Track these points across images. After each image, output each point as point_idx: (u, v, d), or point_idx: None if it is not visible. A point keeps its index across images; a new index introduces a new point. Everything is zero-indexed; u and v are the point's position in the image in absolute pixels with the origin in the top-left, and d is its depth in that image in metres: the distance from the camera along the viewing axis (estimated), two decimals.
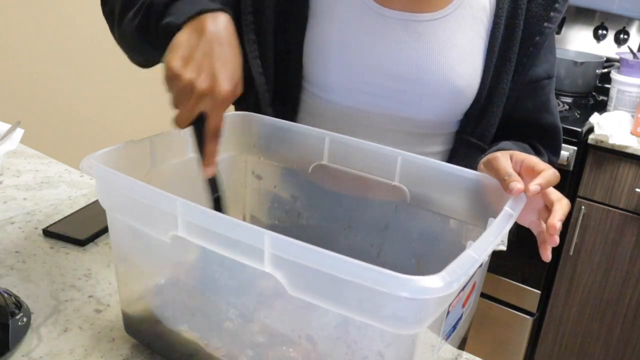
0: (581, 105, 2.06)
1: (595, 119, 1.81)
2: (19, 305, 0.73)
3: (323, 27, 0.84)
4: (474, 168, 0.78)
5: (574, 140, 1.78)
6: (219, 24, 0.65)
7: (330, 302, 0.50)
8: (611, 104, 1.94)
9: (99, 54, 1.85)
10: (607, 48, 2.21)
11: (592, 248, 1.87)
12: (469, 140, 0.88)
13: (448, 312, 0.56)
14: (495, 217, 0.60)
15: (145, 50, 0.76)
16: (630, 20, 2.16)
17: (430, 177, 0.73)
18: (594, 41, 2.24)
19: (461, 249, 0.52)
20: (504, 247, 0.87)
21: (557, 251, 1.91)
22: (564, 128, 1.68)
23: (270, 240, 0.50)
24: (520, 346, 2.04)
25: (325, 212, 0.84)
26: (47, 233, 0.94)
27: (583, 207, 1.84)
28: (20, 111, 1.65)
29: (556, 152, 0.94)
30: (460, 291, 0.57)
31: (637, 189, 1.75)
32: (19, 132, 1.08)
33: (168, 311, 0.67)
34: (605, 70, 2.06)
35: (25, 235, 0.94)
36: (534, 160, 0.69)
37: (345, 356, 0.56)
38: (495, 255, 0.66)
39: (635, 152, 1.71)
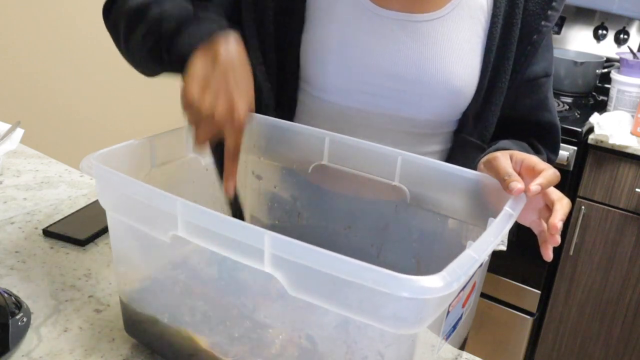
0: (581, 105, 2.06)
1: (595, 119, 1.81)
2: (19, 305, 0.73)
3: (320, 29, 0.84)
4: (473, 167, 0.78)
5: (574, 140, 1.78)
6: (231, 46, 0.66)
7: (330, 302, 0.50)
8: (611, 104, 1.94)
9: (99, 54, 1.85)
10: (607, 48, 2.21)
11: (592, 248, 1.87)
12: (468, 140, 0.88)
13: (448, 312, 0.56)
14: (495, 217, 0.60)
15: (153, 68, 0.76)
16: (630, 20, 2.16)
17: (430, 177, 0.73)
18: (594, 41, 2.24)
19: (461, 249, 0.52)
20: (504, 247, 0.87)
21: (557, 251, 1.91)
22: (564, 128, 1.68)
23: (270, 240, 0.50)
24: (520, 346, 2.04)
25: (325, 212, 0.84)
26: (47, 233, 0.94)
27: (583, 207, 1.84)
28: (20, 111, 1.65)
29: (555, 150, 0.94)
30: (460, 291, 0.57)
31: (637, 189, 1.75)
32: (19, 132, 1.08)
33: (168, 311, 0.67)
34: (605, 70, 2.06)
35: (25, 235, 0.94)
36: (534, 160, 0.69)
37: (345, 356, 0.56)
38: (495, 255, 0.66)
39: (635, 152, 1.71)
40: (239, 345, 0.62)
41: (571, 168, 1.80)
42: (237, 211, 0.72)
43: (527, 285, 1.97)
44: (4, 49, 1.75)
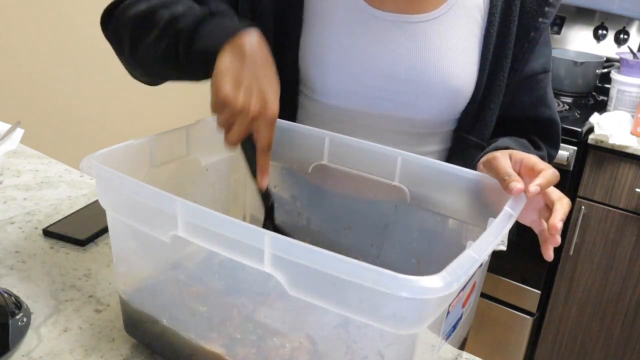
0: (581, 105, 2.06)
1: (595, 119, 1.81)
2: (19, 305, 0.73)
3: (318, 31, 0.84)
4: (473, 166, 0.78)
5: (574, 140, 1.78)
6: (255, 41, 0.67)
7: (330, 302, 0.50)
8: (611, 104, 1.94)
9: (99, 54, 1.85)
10: (607, 48, 2.21)
11: (592, 248, 1.87)
12: (467, 138, 0.88)
13: (448, 312, 0.56)
14: (495, 217, 0.60)
15: (164, 74, 0.76)
16: (630, 20, 2.16)
17: (430, 177, 0.73)
18: (594, 41, 2.24)
19: (461, 249, 0.52)
20: (504, 247, 0.87)
21: (557, 251, 1.91)
22: (564, 128, 1.68)
23: (270, 240, 0.50)
24: (520, 346, 2.04)
25: (325, 212, 0.84)
26: (47, 233, 0.94)
27: (583, 207, 1.84)
28: (20, 111, 1.65)
29: (555, 145, 0.94)
30: (460, 291, 0.57)
31: (637, 189, 1.75)
32: (19, 132, 1.08)
33: (168, 311, 0.67)
34: (605, 70, 2.06)
35: (25, 235, 0.94)
36: (533, 159, 0.69)
37: (345, 356, 0.56)
38: (495, 255, 0.66)
39: (635, 152, 1.71)
40: (239, 345, 0.62)
41: (571, 168, 1.80)
42: (269, 204, 0.74)
43: (527, 285, 1.97)
44: (4, 49, 1.75)
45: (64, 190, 1.10)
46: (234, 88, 0.63)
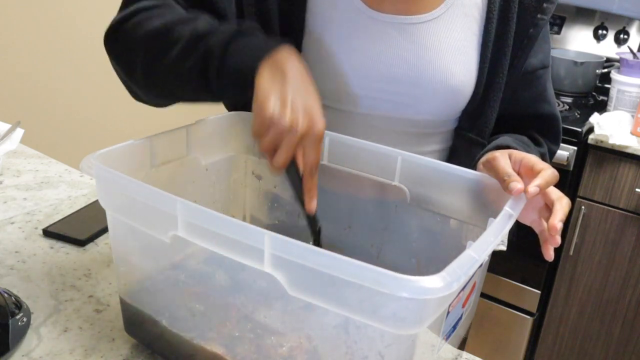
0: (581, 105, 2.06)
1: (595, 119, 1.81)
2: (19, 305, 0.73)
3: (318, 34, 0.83)
4: (473, 165, 0.78)
5: (574, 140, 1.78)
6: (292, 58, 0.64)
7: (330, 302, 0.50)
8: (611, 104, 1.94)
9: (99, 54, 1.85)
10: (607, 48, 2.21)
11: (592, 248, 1.87)
12: (468, 137, 0.89)
13: (448, 312, 0.56)
14: (495, 217, 0.61)
15: (183, 94, 0.72)
16: (630, 20, 2.16)
17: (430, 177, 0.73)
18: (594, 41, 2.24)
19: (461, 249, 0.52)
20: (504, 247, 0.87)
21: (557, 251, 1.90)
22: (564, 128, 1.68)
23: (270, 240, 0.50)
24: (520, 346, 2.04)
25: (325, 212, 0.84)
26: (47, 233, 0.94)
27: (583, 207, 1.83)
28: (20, 111, 1.65)
29: (556, 140, 0.94)
30: (460, 291, 0.57)
31: (637, 189, 1.75)
32: (19, 132, 1.08)
33: (168, 311, 0.67)
34: (605, 70, 2.06)
35: (25, 235, 0.94)
36: (533, 159, 0.69)
37: (345, 356, 0.56)
38: (495, 255, 0.66)
39: (635, 152, 1.71)
40: (239, 345, 0.62)
41: (571, 168, 1.80)
42: (316, 227, 0.70)
43: (527, 285, 1.97)
44: (4, 49, 1.75)
45: (64, 190, 1.10)
46: (280, 107, 0.60)
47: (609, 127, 1.75)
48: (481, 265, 0.58)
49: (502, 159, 0.71)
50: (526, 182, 0.65)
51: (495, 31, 0.84)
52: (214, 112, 0.82)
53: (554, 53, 2.13)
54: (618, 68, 1.96)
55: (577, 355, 2.00)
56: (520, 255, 1.91)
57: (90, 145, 1.23)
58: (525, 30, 0.84)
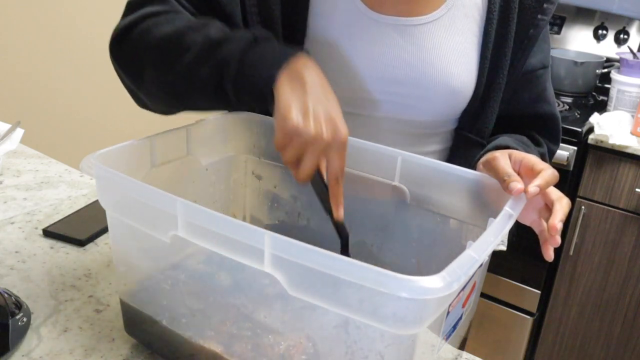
0: (581, 105, 2.06)
1: (595, 119, 1.81)
2: (19, 305, 0.73)
3: (320, 36, 0.83)
4: (473, 165, 0.78)
5: (574, 140, 1.78)
6: (310, 66, 0.63)
7: (330, 302, 0.50)
8: (611, 104, 1.94)
9: (99, 54, 1.85)
10: (607, 48, 2.21)
11: (592, 248, 1.87)
12: (468, 137, 0.89)
13: (448, 312, 0.56)
14: (495, 217, 0.61)
15: (193, 102, 0.71)
16: (630, 20, 2.16)
17: (430, 177, 0.73)
18: (594, 41, 2.24)
19: (461, 249, 0.52)
20: (504, 247, 0.87)
21: (557, 251, 1.90)
22: (564, 128, 1.68)
23: (270, 240, 0.50)
24: (520, 346, 2.04)
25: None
26: (47, 233, 0.94)
27: (583, 207, 1.84)
28: (20, 111, 1.65)
29: (556, 140, 0.94)
30: (460, 291, 0.57)
31: (637, 189, 1.75)
32: (19, 132, 1.08)
33: (168, 311, 0.67)
34: (605, 70, 2.06)
35: (25, 235, 0.94)
36: (533, 159, 0.69)
37: (345, 356, 0.56)
38: (495, 255, 0.66)
39: (635, 152, 1.71)
40: (239, 345, 0.62)
41: (571, 168, 1.80)
42: (345, 235, 0.69)
43: (527, 285, 1.97)
44: (4, 49, 1.75)
45: (64, 190, 1.10)
46: (303, 117, 0.59)
47: (609, 127, 1.75)
48: (481, 265, 0.58)
49: (502, 159, 0.71)
50: (526, 182, 0.65)
51: (496, 32, 0.84)
52: (214, 112, 0.82)
53: (554, 53, 2.13)
54: (618, 68, 1.96)
55: (577, 355, 2.00)
56: (520, 255, 1.91)
57: (90, 145, 1.23)
58: (526, 30, 0.84)
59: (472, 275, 0.56)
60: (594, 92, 2.19)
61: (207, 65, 0.65)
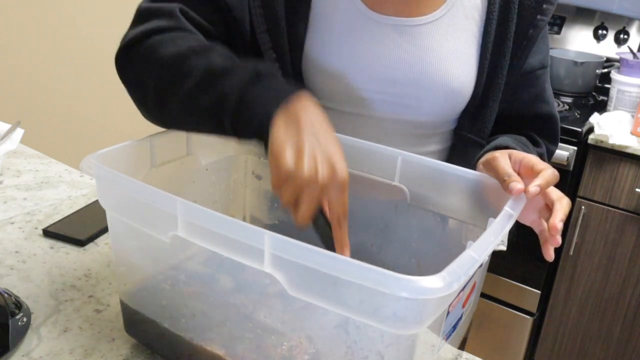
0: (581, 105, 2.06)
1: (595, 119, 1.81)
2: (19, 305, 0.73)
3: (320, 36, 0.83)
4: (473, 165, 0.78)
5: (574, 140, 1.78)
6: (308, 105, 0.62)
7: (330, 303, 0.50)
8: (611, 104, 1.94)
9: (99, 54, 1.85)
10: (607, 48, 2.21)
11: (592, 248, 1.87)
12: (467, 137, 0.89)
13: (448, 312, 0.56)
14: (495, 217, 0.61)
15: (196, 128, 0.69)
16: (630, 20, 2.16)
17: (430, 177, 0.73)
18: (594, 41, 2.24)
19: (461, 249, 0.52)
20: (504, 247, 0.87)
21: (557, 251, 1.90)
22: (564, 128, 1.68)
23: (270, 240, 0.50)
24: (520, 346, 2.04)
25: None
26: (47, 233, 0.94)
27: (583, 207, 1.83)
28: (20, 111, 1.65)
29: (555, 141, 0.94)
30: (460, 291, 0.57)
31: (637, 189, 1.75)
32: (19, 132, 1.08)
33: (168, 311, 0.67)
34: (605, 70, 2.06)
35: (25, 235, 0.94)
36: (533, 159, 0.69)
37: (345, 356, 0.56)
38: (495, 255, 0.66)
39: (635, 152, 1.71)
40: (239, 345, 0.62)
41: (571, 168, 1.80)
42: None
43: (527, 285, 1.97)
44: (4, 49, 1.75)
45: (64, 190, 1.10)
46: (296, 160, 0.57)
47: (609, 127, 1.75)
48: (481, 265, 0.58)
49: (502, 159, 0.71)
50: (526, 182, 0.65)
51: (495, 32, 0.84)
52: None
53: (553, 53, 2.13)
54: (618, 68, 1.96)
55: (577, 355, 2.00)
56: (520, 255, 1.91)
57: (90, 145, 1.23)
58: (525, 31, 0.84)
59: (472, 275, 0.56)
60: (594, 92, 2.19)
61: (207, 95, 0.64)
